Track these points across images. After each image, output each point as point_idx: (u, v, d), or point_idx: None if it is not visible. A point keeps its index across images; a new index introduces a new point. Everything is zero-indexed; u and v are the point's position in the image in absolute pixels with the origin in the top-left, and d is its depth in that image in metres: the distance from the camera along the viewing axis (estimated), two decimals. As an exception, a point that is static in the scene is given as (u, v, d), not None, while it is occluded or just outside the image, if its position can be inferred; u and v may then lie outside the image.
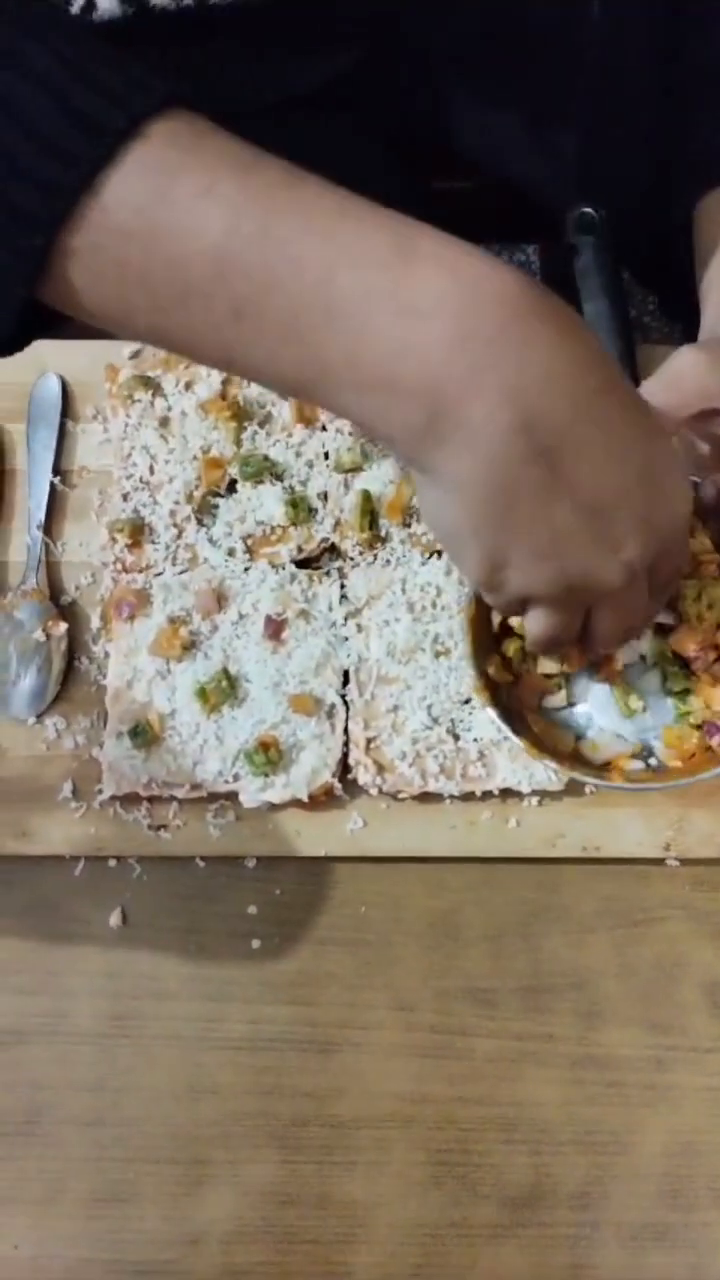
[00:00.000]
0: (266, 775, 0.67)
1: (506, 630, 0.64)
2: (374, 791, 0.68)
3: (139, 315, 0.44)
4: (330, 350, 0.42)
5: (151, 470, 0.72)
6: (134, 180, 0.40)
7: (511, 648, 0.64)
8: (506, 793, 0.68)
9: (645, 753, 0.64)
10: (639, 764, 0.64)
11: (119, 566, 0.71)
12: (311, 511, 0.71)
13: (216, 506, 0.72)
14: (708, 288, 0.68)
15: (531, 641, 0.52)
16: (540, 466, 0.43)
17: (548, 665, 0.63)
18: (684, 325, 0.97)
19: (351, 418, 0.45)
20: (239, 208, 0.41)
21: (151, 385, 0.73)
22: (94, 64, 0.41)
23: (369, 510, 0.71)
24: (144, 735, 0.67)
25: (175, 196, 0.41)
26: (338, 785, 0.68)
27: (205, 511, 0.72)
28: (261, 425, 0.73)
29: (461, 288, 0.41)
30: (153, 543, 0.71)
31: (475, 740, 0.68)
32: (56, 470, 0.73)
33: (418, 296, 0.41)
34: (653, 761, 0.64)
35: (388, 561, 0.71)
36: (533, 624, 0.51)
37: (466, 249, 0.42)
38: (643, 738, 0.64)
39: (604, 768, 0.64)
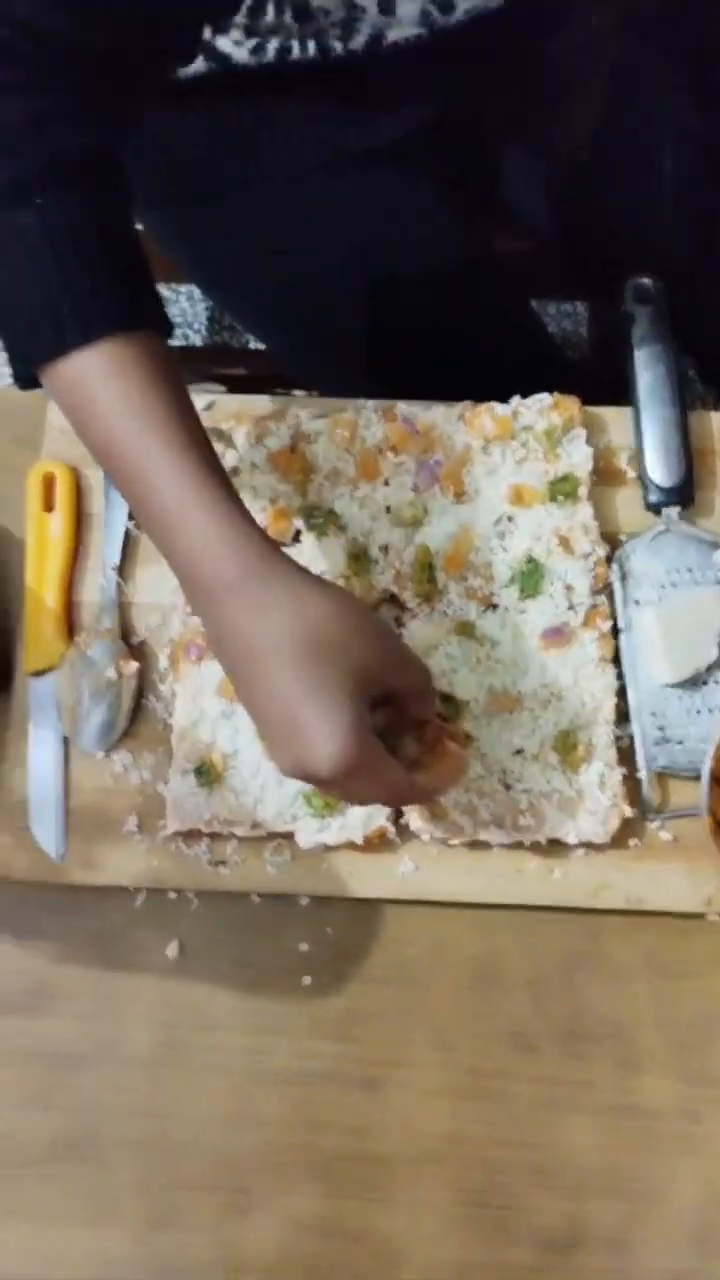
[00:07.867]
0: (323, 818, 0.69)
1: None
2: (425, 837, 0.70)
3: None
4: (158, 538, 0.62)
5: (222, 518, 0.75)
6: (77, 370, 0.61)
7: None
8: (553, 843, 0.70)
9: None
10: None
11: (188, 610, 0.73)
12: (372, 562, 0.74)
13: (282, 555, 0.75)
14: None
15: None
16: (234, 677, 0.60)
17: None
18: (716, 391, 1.00)
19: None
20: (120, 421, 0.61)
21: (224, 437, 0.76)
22: (83, 281, 0.61)
23: (427, 563, 0.74)
24: (207, 774, 0.70)
25: (95, 393, 0.61)
26: (391, 829, 0.70)
27: (271, 560, 0.74)
28: (327, 479, 0.76)
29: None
30: (221, 588, 0.74)
31: (525, 791, 0.70)
32: (132, 515, 0.76)
33: (209, 541, 0.60)
34: None
35: (445, 613, 0.74)
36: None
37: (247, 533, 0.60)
38: None
39: None
